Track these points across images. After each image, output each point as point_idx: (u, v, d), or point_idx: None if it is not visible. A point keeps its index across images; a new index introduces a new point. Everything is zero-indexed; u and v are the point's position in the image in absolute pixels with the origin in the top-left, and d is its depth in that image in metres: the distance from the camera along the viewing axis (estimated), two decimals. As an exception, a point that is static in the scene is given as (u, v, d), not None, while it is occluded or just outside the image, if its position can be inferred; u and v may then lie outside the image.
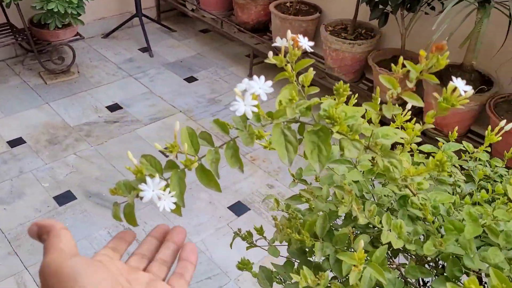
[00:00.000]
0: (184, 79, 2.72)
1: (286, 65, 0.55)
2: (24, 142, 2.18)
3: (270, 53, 0.57)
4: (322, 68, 2.35)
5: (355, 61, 2.23)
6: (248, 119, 0.55)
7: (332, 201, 0.60)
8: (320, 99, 0.56)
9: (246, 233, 0.72)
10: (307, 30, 2.52)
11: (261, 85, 0.50)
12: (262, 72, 2.88)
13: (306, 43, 0.54)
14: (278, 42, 0.56)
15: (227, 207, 1.92)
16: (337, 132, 0.51)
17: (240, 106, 0.48)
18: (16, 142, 2.18)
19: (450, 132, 0.76)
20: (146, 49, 2.95)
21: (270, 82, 0.50)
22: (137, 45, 3.03)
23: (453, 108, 0.50)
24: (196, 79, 2.73)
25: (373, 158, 0.56)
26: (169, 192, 0.46)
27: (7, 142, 2.17)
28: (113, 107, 2.44)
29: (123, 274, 0.39)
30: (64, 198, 1.91)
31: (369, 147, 0.54)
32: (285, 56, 0.61)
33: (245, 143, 0.51)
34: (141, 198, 0.45)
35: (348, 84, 0.51)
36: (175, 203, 0.47)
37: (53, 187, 1.95)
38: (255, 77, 0.51)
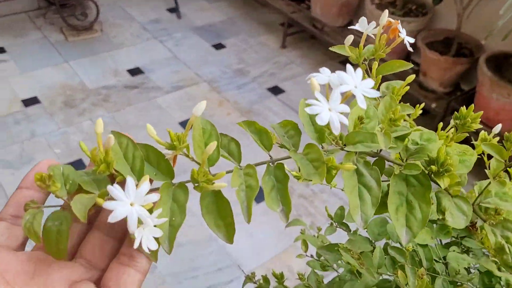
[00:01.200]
0: (211, 46, 2.53)
1: (363, 62, 0.39)
2: (39, 102, 2.06)
3: (350, 38, 0.40)
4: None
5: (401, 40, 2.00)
6: (319, 134, 0.38)
7: (386, 270, 0.43)
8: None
9: (262, 280, 0.56)
10: (350, 1, 2.28)
11: (358, 82, 0.33)
12: (297, 45, 2.66)
13: (407, 37, 0.38)
14: (361, 25, 0.40)
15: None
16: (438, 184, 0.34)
17: (323, 110, 0.31)
18: (30, 102, 2.06)
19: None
20: (174, 10, 2.76)
21: (371, 82, 0.33)
22: (165, 5, 2.84)
23: None
24: (224, 47, 2.54)
25: (472, 223, 0.39)
26: (156, 218, 0.30)
27: (22, 100, 2.06)
28: (134, 71, 2.29)
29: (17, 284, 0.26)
30: (75, 167, 1.79)
31: (474, 209, 0.37)
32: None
33: (306, 175, 0.33)
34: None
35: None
36: (157, 239, 0.31)
37: (65, 154, 1.84)
38: (349, 67, 0.33)
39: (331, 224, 0.54)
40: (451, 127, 0.59)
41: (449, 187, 0.37)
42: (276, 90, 2.25)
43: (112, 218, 0.27)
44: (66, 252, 0.30)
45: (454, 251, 0.49)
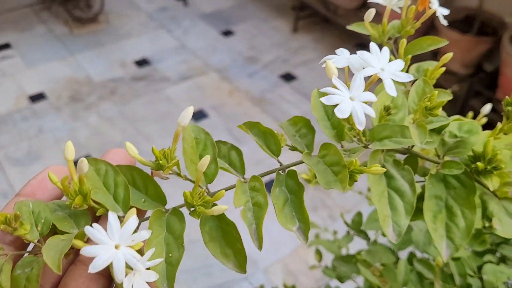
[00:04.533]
0: (220, 33, 2.46)
1: (387, 41, 0.32)
2: (46, 97, 2.02)
3: (371, 12, 0.34)
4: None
5: (418, 19, 1.89)
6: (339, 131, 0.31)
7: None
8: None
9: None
10: (363, -20, 2.17)
11: (384, 64, 0.27)
12: (309, 29, 2.57)
13: (440, 8, 0.32)
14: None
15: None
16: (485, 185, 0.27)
17: (343, 99, 0.25)
18: (37, 97, 2.02)
19: None
20: (181, -3, 2.69)
21: (400, 63, 0.27)
22: (172, -8, 2.77)
23: None
24: (233, 33, 2.46)
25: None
26: (147, 260, 0.24)
27: (29, 96, 2.02)
28: (141, 62, 2.23)
29: None
30: (84, 163, 1.75)
31: None
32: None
33: (325, 183, 0.27)
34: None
35: None
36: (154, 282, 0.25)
37: (73, 149, 1.80)
38: (373, 46, 0.27)
39: (348, 233, 0.47)
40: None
41: (501, 189, 0.30)
42: (288, 77, 2.17)
43: (93, 268, 0.21)
44: None
45: (489, 261, 0.42)
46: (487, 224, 0.29)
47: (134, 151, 0.26)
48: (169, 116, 1.92)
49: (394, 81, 0.27)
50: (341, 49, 0.28)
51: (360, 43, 2.21)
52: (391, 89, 0.25)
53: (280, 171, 0.30)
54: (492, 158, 0.28)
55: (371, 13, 0.34)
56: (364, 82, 0.26)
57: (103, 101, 2.01)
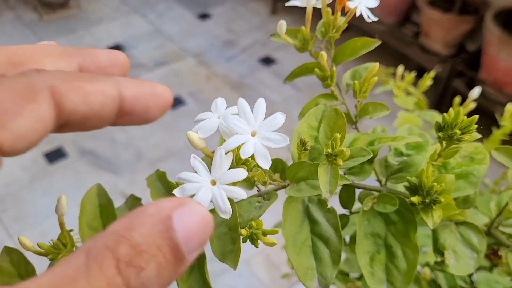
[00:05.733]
0: (196, 17, 2.37)
1: (315, 51, 0.27)
2: (15, 87, 1.93)
3: (283, 24, 0.30)
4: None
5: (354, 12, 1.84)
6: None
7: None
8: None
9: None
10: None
11: (258, 123, 0.22)
12: (288, 11, 2.50)
13: (361, 5, 0.26)
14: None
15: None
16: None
17: (201, 188, 0.20)
18: (5, 88, 1.93)
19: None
20: (156, -20, 2.58)
21: (276, 118, 0.21)
22: (146, -25, 2.66)
23: None
24: (210, 17, 2.38)
25: (492, 249, 0.27)
26: None
27: (-4, 87, 1.93)
28: (115, 48, 2.14)
29: None
30: (56, 155, 1.68)
31: (491, 233, 0.25)
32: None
33: (220, 254, 0.24)
34: None
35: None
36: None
37: (44, 141, 1.72)
38: (241, 103, 0.21)
39: None
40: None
41: (453, 215, 0.25)
42: (268, 61, 2.11)
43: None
44: None
45: (482, 266, 0.38)
46: (438, 259, 0.24)
47: (27, 243, 0.22)
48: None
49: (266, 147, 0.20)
50: (219, 100, 0.22)
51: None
52: (262, 160, 0.20)
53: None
54: (430, 190, 0.23)
55: (282, 25, 0.29)
56: (230, 157, 0.20)
57: (75, 90, 1.93)
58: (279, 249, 1.38)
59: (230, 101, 0.25)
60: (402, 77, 0.48)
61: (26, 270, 0.23)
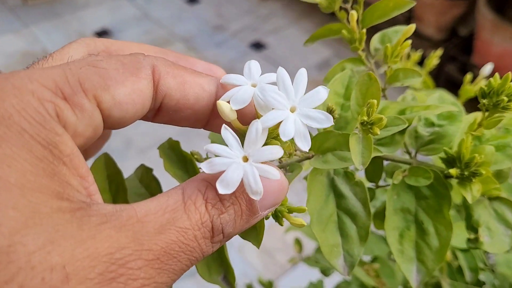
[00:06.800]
0: (185, 1, 2.33)
1: (341, 10, 0.25)
2: (-1, 74, 1.88)
3: None
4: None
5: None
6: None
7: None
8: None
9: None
10: None
11: (299, 98, 0.20)
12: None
13: None
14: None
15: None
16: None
17: (233, 164, 0.18)
18: (-11, 74, 1.87)
19: None
20: (143, -37, 2.52)
21: (320, 92, 0.19)
22: (133, -42, 2.60)
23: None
24: (199, 1, 2.33)
25: None
26: None
27: (-21, 73, 1.87)
28: (102, 33, 2.09)
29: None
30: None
31: None
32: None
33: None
34: None
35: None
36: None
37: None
38: (280, 73, 0.18)
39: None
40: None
41: (488, 191, 0.23)
42: (258, 46, 2.08)
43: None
44: None
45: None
46: (472, 236, 0.22)
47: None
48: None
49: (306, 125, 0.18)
50: (251, 62, 0.20)
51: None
52: (302, 140, 0.18)
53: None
54: (469, 162, 0.21)
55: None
56: (266, 132, 0.18)
57: (61, 76, 1.89)
58: (271, 235, 1.36)
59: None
60: (408, 56, 0.47)
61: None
